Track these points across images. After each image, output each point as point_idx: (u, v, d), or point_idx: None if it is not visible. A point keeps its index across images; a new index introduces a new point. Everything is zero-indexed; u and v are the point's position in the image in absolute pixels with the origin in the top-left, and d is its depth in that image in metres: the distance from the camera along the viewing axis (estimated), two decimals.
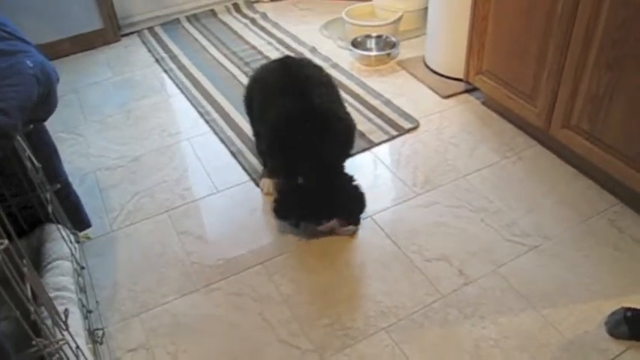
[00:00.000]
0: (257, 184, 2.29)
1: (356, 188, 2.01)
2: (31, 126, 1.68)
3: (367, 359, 1.64)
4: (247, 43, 3.36)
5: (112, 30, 3.44)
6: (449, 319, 1.74)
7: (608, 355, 1.60)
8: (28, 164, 1.60)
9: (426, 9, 3.05)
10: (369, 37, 3.19)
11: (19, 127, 1.44)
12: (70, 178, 1.97)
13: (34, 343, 1.12)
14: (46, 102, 1.64)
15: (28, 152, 1.62)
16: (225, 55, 3.24)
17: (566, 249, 1.93)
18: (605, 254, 1.90)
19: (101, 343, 1.69)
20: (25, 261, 1.20)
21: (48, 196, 1.70)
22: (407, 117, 2.61)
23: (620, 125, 1.91)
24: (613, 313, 1.68)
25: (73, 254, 1.74)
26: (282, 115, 1.97)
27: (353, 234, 2.04)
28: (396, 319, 1.75)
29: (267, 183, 2.26)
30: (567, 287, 1.80)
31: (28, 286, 1.14)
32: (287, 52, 3.21)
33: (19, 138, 1.54)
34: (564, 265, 1.88)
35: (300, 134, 1.92)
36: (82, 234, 2.04)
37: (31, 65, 1.56)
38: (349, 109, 2.13)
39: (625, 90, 1.86)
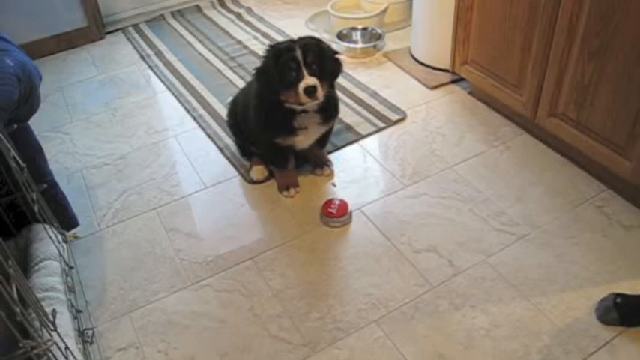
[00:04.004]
0: (246, 181, 2.28)
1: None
2: (15, 126, 1.66)
3: (358, 352, 1.64)
4: (233, 38, 3.35)
5: (96, 28, 3.41)
6: (439, 309, 1.74)
7: (599, 341, 1.61)
8: (13, 164, 1.58)
9: (410, 0, 3.04)
10: (354, 29, 3.18)
11: (0, 128, 1.42)
12: (57, 178, 1.96)
13: (21, 344, 1.11)
14: (28, 101, 1.63)
15: (13, 152, 1.60)
16: (210, 51, 3.22)
17: (554, 237, 1.94)
18: (594, 241, 1.91)
19: (91, 343, 1.68)
20: (10, 262, 1.19)
21: (34, 196, 1.69)
22: (394, 109, 2.60)
23: (606, 113, 1.92)
24: (602, 300, 1.68)
25: (61, 254, 1.73)
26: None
27: (346, 224, 2.05)
28: (386, 310, 1.75)
29: (258, 169, 2.27)
30: (557, 275, 1.81)
31: (14, 287, 1.13)
32: None
33: (2, 138, 1.52)
34: (553, 253, 1.88)
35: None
36: (69, 233, 2.03)
37: (11, 64, 1.54)
38: None
39: (609, 78, 1.86)
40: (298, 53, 1.88)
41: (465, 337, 1.65)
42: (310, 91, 1.89)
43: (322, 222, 2.06)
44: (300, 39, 1.96)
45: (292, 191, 2.19)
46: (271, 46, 1.98)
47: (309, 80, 1.89)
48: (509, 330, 1.66)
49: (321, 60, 1.93)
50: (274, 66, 1.91)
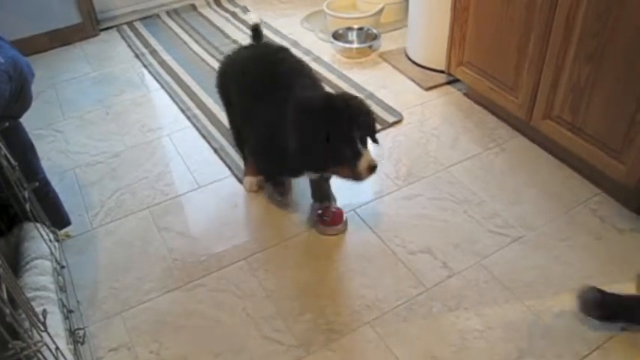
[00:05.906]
0: (239, 181, 2.26)
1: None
2: (6, 123, 1.65)
3: (352, 353, 1.63)
4: (228, 37, 3.33)
5: (90, 25, 3.39)
6: (433, 311, 1.73)
7: (592, 344, 1.61)
8: (4, 162, 1.57)
9: (407, 0, 3.04)
10: (350, 29, 3.18)
11: None
12: (49, 176, 1.94)
13: (10, 346, 1.10)
14: (19, 98, 1.61)
15: (4, 150, 1.59)
16: (206, 50, 3.21)
17: (549, 239, 1.93)
18: (588, 244, 1.91)
19: (82, 343, 1.67)
20: (0, 261, 1.17)
21: (26, 194, 1.67)
22: (390, 110, 2.59)
23: (602, 116, 1.91)
24: (584, 292, 1.65)
25: (52, 253, 1.72)
26: (270, 129, 1.86)
27: (340, 233, 2.03)
28: (380, 312, 1.74)
29: (251, 181, 2.22)
30: (551, 277, 1.80)
31: (4, 287, 1.12)
32: None
33: None
34: (547, 255, 1.88)
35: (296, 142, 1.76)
36: (61, 232, 2.01)
37: (2, 61, 1.53)
38: None
39: (605, 81, 1.86)
40: (356, 134, 1.71)
41: (459, 339, 1.65)
42: (374, 167, 1.74)
43: (317, 231, 2.04)
44: (355, 108, 1.74)
45: (286, 194, 2.18)
46: (318, 116, 1.73)
47: (369, 157, 1.72)
48: (503, 332, 1.66)
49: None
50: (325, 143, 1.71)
